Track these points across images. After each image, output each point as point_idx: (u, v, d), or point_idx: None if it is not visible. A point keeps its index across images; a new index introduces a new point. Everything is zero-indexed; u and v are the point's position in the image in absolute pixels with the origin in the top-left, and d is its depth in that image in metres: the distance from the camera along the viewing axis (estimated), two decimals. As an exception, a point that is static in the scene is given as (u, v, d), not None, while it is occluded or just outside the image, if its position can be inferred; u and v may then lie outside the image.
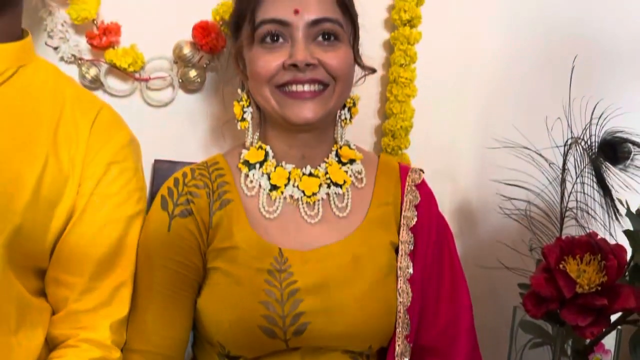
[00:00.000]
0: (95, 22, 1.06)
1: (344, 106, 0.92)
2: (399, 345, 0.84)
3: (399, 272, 0.85)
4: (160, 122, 1.14)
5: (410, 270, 0.86)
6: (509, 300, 1.19)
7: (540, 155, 1.07)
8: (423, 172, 0.97)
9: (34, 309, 0.78)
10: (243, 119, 0.90)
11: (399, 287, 0.85)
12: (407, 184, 0.92)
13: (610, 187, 0.96)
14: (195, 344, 0.92)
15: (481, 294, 1.29)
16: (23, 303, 0.76)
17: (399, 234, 0.89)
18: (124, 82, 1.11)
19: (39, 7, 1.05)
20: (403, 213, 0.89)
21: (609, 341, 1.12)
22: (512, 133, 1.15)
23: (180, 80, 1.12)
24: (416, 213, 0.89)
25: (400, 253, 0.87)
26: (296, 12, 0.82)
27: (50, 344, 0.80)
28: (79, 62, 1.08)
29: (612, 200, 0.97)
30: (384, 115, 1.27)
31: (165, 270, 0.83)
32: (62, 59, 1.08)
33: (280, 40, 0.83)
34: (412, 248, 0.87)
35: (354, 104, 0.93)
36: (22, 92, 0.79)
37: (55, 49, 1.08)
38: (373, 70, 0.97)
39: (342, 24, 0.86)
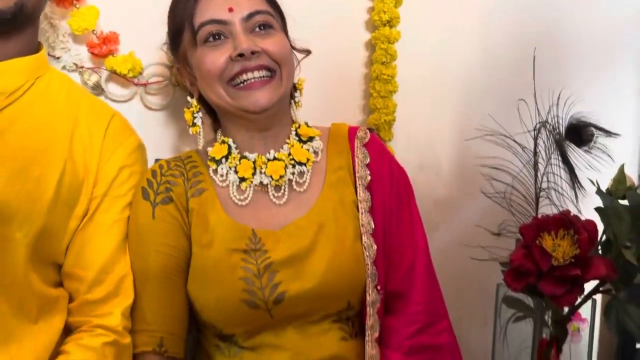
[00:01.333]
0: (94, 32, 1.13)
1: (295, 89, 1.00)
2: (369, 295, 0.91)
3: (362, 229, 0.93)
4: (159, 124, 1.21)
5: (372, 226, 0.93)
6: (492, 280, 1.27)
7: (514, 140, 1.16)
8: (371, 131, 1.04)
9: (53, 299, 0.84)
10: (194, 124, 0.98)
11: (363, 242, 0.92)
12: (355, 146, 0.99)
13: (573, 164, 1.04)
14: (198, 330, 0.98)
15: (467, 275, 1.38)
16: (42, 295, 0.83)
17: (356, 193, 0.96)
18: (124, 87, 1.18)
19: (41, 19, 1.10)
20: (357, 174, 0.96)
21: (585, 311, 1.20)
22: (488, 121, 1.23)
23: (176, 84, 1.19)
24: (369, 172, 0.96)
25: (360, 211, 0.94)
26: (230, 10, 0.91)
27: (67, 330, 0.87)
28: (80, 70, 1.15)
29: (576, 176, 1.06)
30: (368, 110, 1.35)
31: (157, 255, 0.90)
32: (64, 67, 1.13)
33: (222, 37, 0.91)
34: (370, 205, 0.94)
35: (302, 87, 1.01)
36: (40, 101, 0.86)
37: (58, 58, 1.14)
38: (308, 52, 1.04)
39: (273, 14, 0.95)
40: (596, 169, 1.06)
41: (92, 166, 0.87)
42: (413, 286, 0.94)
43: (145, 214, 0.91)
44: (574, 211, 1.13)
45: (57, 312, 0.84)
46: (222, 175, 0.95)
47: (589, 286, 1.14)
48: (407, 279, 0.94)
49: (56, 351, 0.83)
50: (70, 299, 0.87)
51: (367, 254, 0.92)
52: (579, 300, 1.16)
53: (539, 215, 1.16)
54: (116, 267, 0.88)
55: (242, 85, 0.91)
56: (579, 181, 1.07)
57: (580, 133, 1.04)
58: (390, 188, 0.96)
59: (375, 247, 0.92)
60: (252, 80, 0.90)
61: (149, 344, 0.88)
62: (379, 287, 0.92)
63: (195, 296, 0.90)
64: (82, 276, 0.86)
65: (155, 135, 1.18)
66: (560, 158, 1.06)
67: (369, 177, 0.96)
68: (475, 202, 1.34)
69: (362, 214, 0.94)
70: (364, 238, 0.92)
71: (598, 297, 1.17)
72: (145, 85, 1.18)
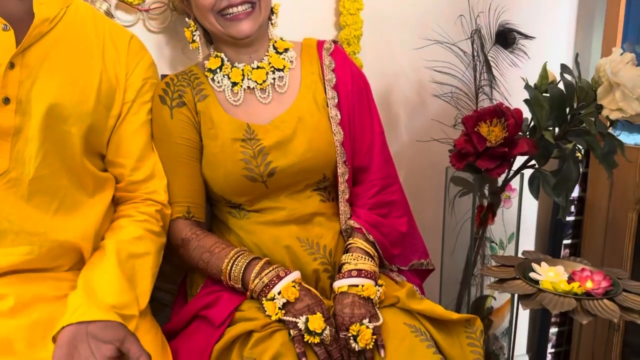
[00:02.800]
0: (102, -35, 1.31)
1: (272, 12, 1.22)
2: (339, 168, 1.18)
3: (331, 120, 1.18)
4: (159, 45, 1.41)
5: (339, 117, 1.19)
6: (442, 165, 1.54)
7: (458, 47, 1.39)
8: (335, 42, 1.27)
9: (103, 179, 1.08)
10: (193, 41, 1.20)
11: (333, 129, 1.18)
12: (323, 55, 1.23)
13: (501, 63, 1.30)
14: (212, 204, 1.25)
15: (422, 161, 1.66)
16: (95, 176, 1.06)
17: (325, 92, 1.20)
18: (129, 14, 1.37)
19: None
20: (325, 77, 1.21)
21: (515, 183, 1.49)
22: (439, 33, 1.46)
23: (174, 8, 1.39)
24: (334, 75, 1.21)
25: (329, 106, 1.19)
26: None
27: (117, 203, 1.12)
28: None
29: (493, 77, 1.31)
30: (339, 26, 1.56)
31: (177, 146, 1.15)
32: (77, -2, 1.33)
33: None
34: (337, 101, 1.19)
35: (277, 11, 1.23)
36: (73, 26, 1.05)
37: (71, -10, 1.32)
38: None
39: None
40: (516, 66, 1.31)
41: (121, 77, 1.09)
42: (372, 161, 1.21)
43: (165, 116, 1.15)
44: (505, 103, 1.39)
45: (107, 189, 1.09)
46: (218, 82, 1.19)
47: (519, 164, 1.43)
48: (367, 156, 1.21)
49: (106, 217, 1.08)
50: (117, 181, 1.11)
51: (337, 138, 1.18)
52: (511, 174, 1.45)
53: (478, 108, 1.42)
54: (149, 157, 1.12)
55: (229, 16, 1.12)
56: (494, 81, 1.33)
57: (506, 37, 1.29)
58: (352, 87, 1.21)
59: (342, 132, 1.18)
60: (237, 13, 1.12)
61: (179, 211, 1.14)
62: (346, 163, 1.18)
63: (208, 176, 1.16)
64: (123, 163, 1.09)
65: (155, 54, 1.38)
66: (485, 63, 1.30)
67: (334, 79, 1.20)
68: (428, 102, 1.59)
69: (330, 108, 1.19)
70: (333, 126, 1.18)
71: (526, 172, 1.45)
72: (147, 10, 1.37)
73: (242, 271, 1.05)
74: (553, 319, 1.96)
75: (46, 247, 0.97)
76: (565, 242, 1.92)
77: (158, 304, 1.29)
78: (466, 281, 1.47)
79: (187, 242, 1.12)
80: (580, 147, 1.43)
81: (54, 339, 0.87)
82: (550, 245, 1.92)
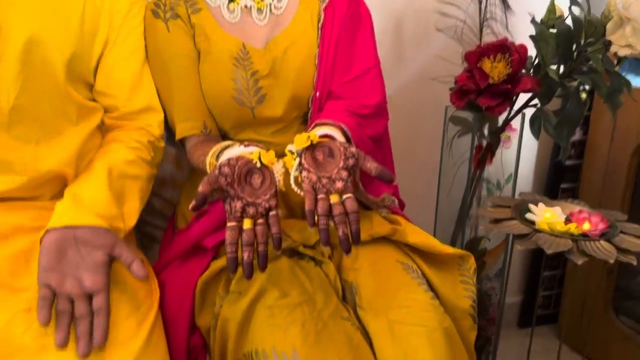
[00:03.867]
0: None
1: None
2: (315, 92, 1.11)
3: (318, 40, 1.12)
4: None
5: (319, 37, 1.12)
6: (443, 104, 1.49)
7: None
8: None
9: (89, 108, 1.04)
10: None
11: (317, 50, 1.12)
12: None
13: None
14: None
15: (423, 100, 1.61)
16: (80, 104, 1.02)
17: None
18: None
19: None
20: None
21: (516, 123, 1.45)
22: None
23: None
24: None
25: (318, 26, 1.13)
26: None
27: (109, 129, 1.07)
28: None
29: (508, 6, 1.24)
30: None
31: (181, 57, 1.09)
32: None
33: None
34: (322, 22, 1.13)
35: None
36: None
37: None
38: None
39: None
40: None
41: (107, 1, 1.02)
42: (368, 95, 1.14)
43: (161, 30, 1.09)
44: (510, 38, 1.33)
45: (93, 117, 1.04)
46: None
47: (520, 103, 1.39)
48: (356, 87, 1.13)
49: (90, 142, 1.03)
50: (107, 111, 1.06)
51: (316, 61, 1.12)
52: (512, 113, 1.41)
53: (482, 44, 1.36)
54: (143, 86, 1.07)
55: None
56: (508, 6, 1.26)
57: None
58: (346, 12, 1.14)
59: (318, 51, 1.11)
60: None
61: (196, 127, 1.09)
62: (315, 83, 1.11)
63: None
64: (115, 94, 1.05)
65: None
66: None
67: (327, 1, 1.14)
68: (432, 38, 1.53)
69: (318, 29, 1.13)
70: (316, 47, 1.12)
71: (527, 112, 1.40)
72: None
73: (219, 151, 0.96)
74: (546, 263, 1.97)
75: (28, 176, 0.94)
76: (564, 185, 1.90)
77: (148, 239, 1.27)
78: (461, 222, 1.46)
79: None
80: (586, 87, 1.38)
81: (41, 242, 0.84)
82: (548, 188, 1.90)
